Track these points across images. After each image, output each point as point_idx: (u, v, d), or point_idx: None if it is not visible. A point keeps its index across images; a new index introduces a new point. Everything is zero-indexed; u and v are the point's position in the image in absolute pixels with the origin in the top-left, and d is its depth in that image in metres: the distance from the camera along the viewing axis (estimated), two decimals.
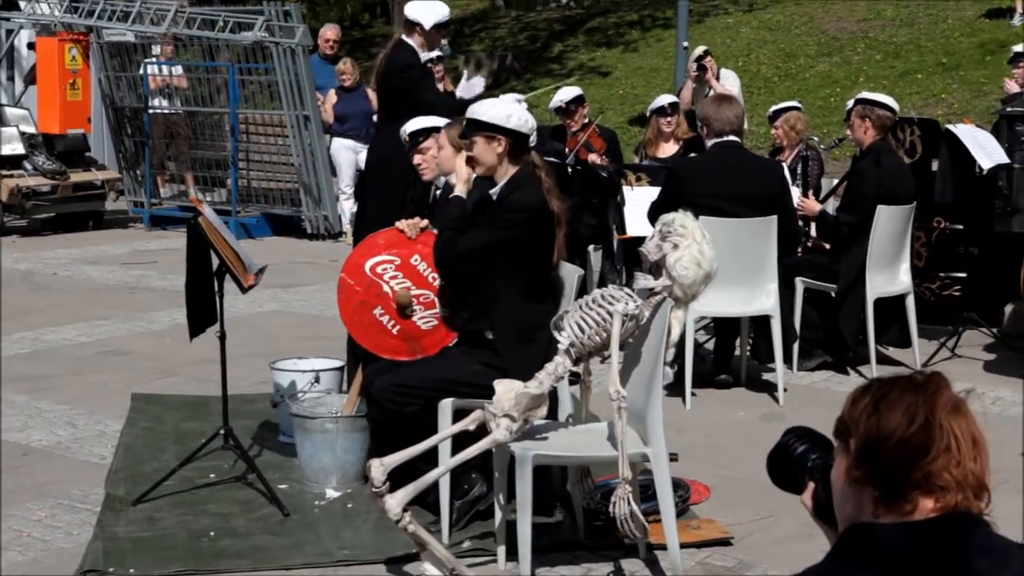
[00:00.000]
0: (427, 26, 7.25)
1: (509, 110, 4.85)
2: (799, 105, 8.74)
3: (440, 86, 9.05)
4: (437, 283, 5.03)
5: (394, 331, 5.05)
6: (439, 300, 5.03)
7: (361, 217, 7.30)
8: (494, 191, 4.84)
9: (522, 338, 4.73)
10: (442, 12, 7.30)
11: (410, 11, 7.43)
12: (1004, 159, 7.70)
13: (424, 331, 5.04)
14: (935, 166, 8.20)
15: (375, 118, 9.42)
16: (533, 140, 4.87)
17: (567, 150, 8.61)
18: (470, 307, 4.90)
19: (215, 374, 5.35)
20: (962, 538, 1.90)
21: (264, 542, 4.73)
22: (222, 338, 5.18)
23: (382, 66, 7.60)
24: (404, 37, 7.56)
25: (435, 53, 8.50)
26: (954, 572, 1.88)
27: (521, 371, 4.37)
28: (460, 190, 4.90)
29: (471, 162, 4.85)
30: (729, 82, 10.96)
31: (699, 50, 10.89)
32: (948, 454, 1.91)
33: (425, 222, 5.12)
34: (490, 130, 4.77)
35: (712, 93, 9.45)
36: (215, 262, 5.08)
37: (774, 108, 8.77)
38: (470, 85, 7.28)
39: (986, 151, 7.60)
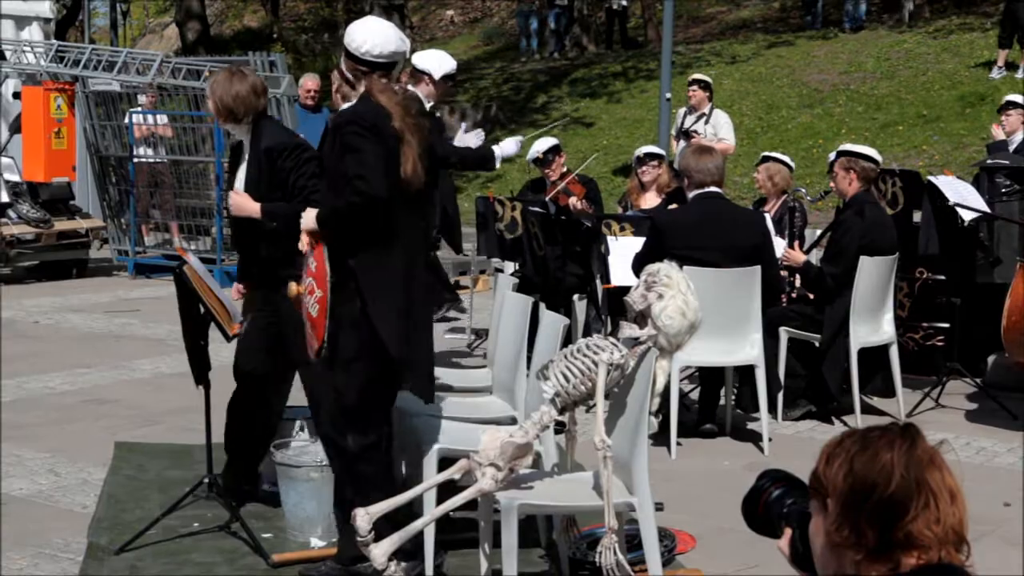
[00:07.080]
0: (436, 76, 7.28)
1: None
2: (791, 163, 8.64)
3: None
4: (314, 267, 4.71)
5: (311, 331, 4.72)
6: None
7: None
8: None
9: None
10: (451, 63, 7.32)
11: (419, 61, 7.45)
12: (985, 210, 7.76)
13: (314, 318, 4.66)
14: (916, 217, 8.26)
15: None
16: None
17: (547, 199, 8.65)
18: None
19: (199, 422, 5.34)
20: None
21: None
22: (207, 386, 5.17)
23: None
24: (411, 87, 7.57)
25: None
26: None
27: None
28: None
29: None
30: (723, 125, 11.17)
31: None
32: (927, 511, 1.90)
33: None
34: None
35: (690, 143, 9.56)
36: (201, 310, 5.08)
37: (764, 154, 8.75)
38: (466, 137, 7.32)
39: (967, 202, 7.65)
